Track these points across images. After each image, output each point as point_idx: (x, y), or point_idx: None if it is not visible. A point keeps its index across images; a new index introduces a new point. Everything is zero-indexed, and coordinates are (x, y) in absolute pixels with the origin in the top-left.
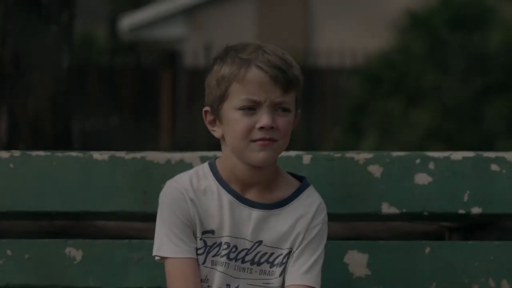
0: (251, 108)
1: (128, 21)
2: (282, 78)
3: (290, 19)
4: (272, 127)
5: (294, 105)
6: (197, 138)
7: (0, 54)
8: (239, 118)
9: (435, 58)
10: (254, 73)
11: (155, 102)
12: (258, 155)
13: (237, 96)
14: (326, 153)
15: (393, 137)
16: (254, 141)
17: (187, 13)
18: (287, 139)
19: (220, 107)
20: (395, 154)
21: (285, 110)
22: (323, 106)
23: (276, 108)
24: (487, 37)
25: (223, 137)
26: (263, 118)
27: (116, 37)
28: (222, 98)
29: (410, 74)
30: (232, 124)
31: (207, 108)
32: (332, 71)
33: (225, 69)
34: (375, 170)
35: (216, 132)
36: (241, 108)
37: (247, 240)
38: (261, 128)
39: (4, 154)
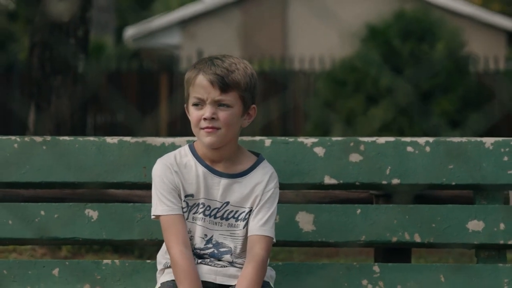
0: (198, 104)
1: (132, 31)
2: (219, 82)
3: (269, 30)
4: (213, 118)
5: (239, 101)
6: (189, 131)
7: (29, 61)
8: (193, 111)
9: (390, 64)
10: (199, 79)
11: (155, 101)
12: (205, 139)
13: (191, 95)
14: (282, 138)
15: (355, 130)
16: (202, 128)
17: (182, 25)
18: (232, 128)
19: (187, 104)
20: (334, 139)
21: (226, 106)
22: (297, 104)
23: (218, 104)
24: (433, 46)
25: None
26: (206, 112)
27: (122, 45)
28: (188, 97)
29: (369, 77)
30: (190, 116)
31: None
32: (304, 74)
33: (187, 75)
34: (319, 151)
35: None
36: (193, 104)
37: (218, 201)
38: (205, 119)
39: (38, 139)
